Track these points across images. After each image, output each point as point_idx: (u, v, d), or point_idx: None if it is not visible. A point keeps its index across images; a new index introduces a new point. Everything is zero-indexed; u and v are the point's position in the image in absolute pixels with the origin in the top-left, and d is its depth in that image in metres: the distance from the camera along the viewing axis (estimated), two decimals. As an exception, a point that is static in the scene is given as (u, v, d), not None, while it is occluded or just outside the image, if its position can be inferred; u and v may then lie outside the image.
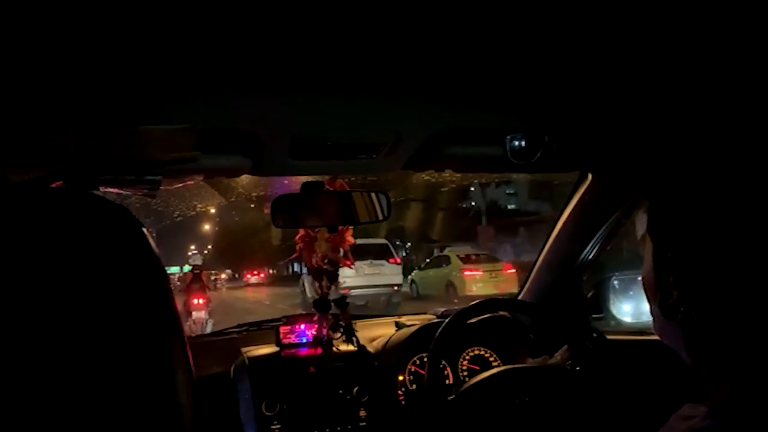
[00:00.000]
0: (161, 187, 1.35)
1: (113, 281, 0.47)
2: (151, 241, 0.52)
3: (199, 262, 11.34)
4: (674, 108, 1.27)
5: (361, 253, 14.12)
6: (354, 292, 13.68)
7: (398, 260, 15.13)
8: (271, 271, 37.66)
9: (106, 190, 1.28)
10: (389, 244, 15.15)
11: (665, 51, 0.98)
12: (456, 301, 12.97)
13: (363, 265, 14.10)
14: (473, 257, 14.74)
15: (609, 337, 1.77)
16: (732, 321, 0.66)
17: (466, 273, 13.96)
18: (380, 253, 14.60)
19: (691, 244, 0.69)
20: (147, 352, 0.47)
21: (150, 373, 0.47)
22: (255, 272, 37.88)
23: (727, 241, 0.66)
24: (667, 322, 0.73)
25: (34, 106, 1.00)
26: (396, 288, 14.48)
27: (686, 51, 0.99)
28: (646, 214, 0.78)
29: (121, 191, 1.30)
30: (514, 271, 13.84)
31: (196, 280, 10.60)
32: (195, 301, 10.35)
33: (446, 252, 16.01)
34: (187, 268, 13.01)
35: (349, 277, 13.80)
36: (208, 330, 9.48)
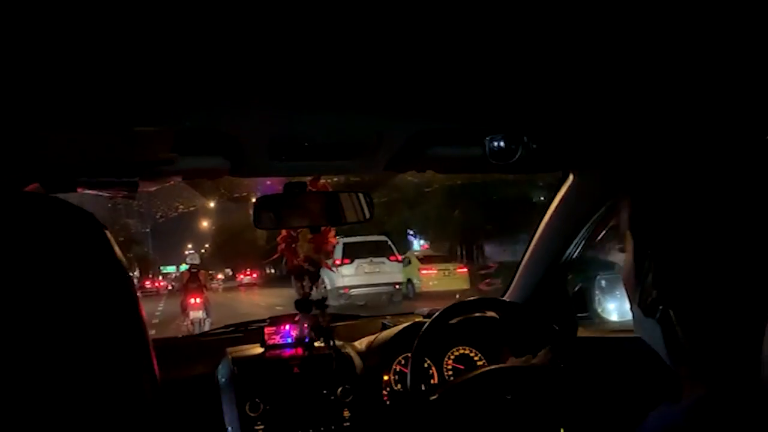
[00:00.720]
0: (140, 190, 1.38)
1: (74, 286, 0.47)
2: (115, 245, 0.52)
3: (196, 261, 11.31)
4: (655, 107, 1.29)
5: (360, 251, 14.06)
6: (353, 291, 13.63)
7: (399, 257, 15.10)
8: (271, 271, 37.88)
9: (84, 191, 1.31)
10: (389, 240, 15.11)
11: (644, 49, 1.00)
12: (411, 296, 14.80)
13: (363, 263, 14.04)
14: (430, 258, 16.76)
15: (592, 335, 1.80)
16: (709, 321, 0.67)
17: (423, 272, 15.91)
18: (380, 251, 14.54)
19: (670, 242, 0.70)
20: (108, 357, 0.48)
21: (111, 379, 0.48)
22: (248, 272, 38.18)
23: (707, 241, 0.67)
24: (646, 320, 0.74)
25: (9, 107, 1.01)
26: (397, 286, 14.44)
27: (665, 49, 1.00)
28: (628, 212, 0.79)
29: (99, 193, 1.32)
30: (465, 270, 16.28)
31: (193, 280, 10.55)
32: (192, 300, 10.31)
33: (407, 254, 17.43)
34: (183, 267, 12.98)
35: (349, 275, 13.78)
36: (206, 330, 9.42)
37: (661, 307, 0.71)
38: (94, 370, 0.46)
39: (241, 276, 38.34)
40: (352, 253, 13.81)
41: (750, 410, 0.64)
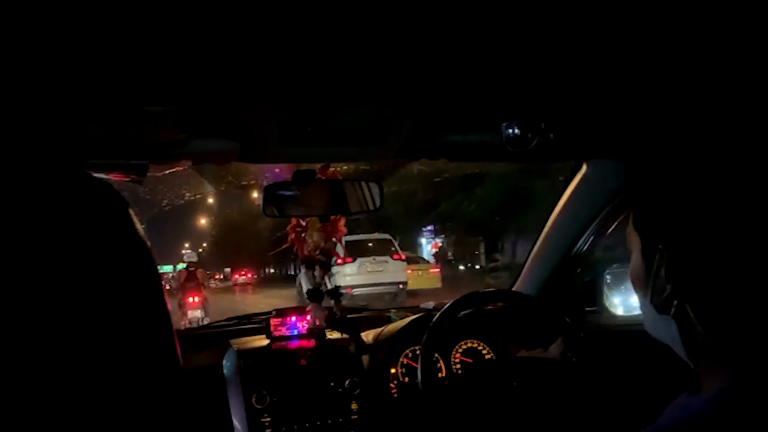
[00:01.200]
0: (149, 174, 1.39)
1: (99, 261, 0.47)
2: (136, 221, 0.52)
3: (194, 259, 11.36)
4: (665, 99, 1.30)
5: (362, 249, 14.02)
6: (356, 291, 13.57)
7: (402, 256, 15.10)
8: (270, 271, 38.24)
9: (92, 174, 1.31)
10: (392, 239, 15.11)
11: (661, 41, 1.01)
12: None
13: (365, 262, 14.01)
14: (407, 259, 17.60)
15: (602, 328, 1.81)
16: (728, 311, 0.68)
17: (399, 271, 17.05)
18: (383, 249, 14.53)
19: (683, 234, 0.71)
20: (133, 338, 0.48)
21: (135, 360, 0.48)
22: (243, 272, 39.14)
23: (720, 230, 0.68)
24: (659, 316, 0.75)
25: (16, 87, 1.02)
26: (401, 286, 14.41)
27: (681, 42, 1.02)
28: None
29: (107, 176, 1.33)
30: (438, 270, 17.74)
31: (190, 278, 10.60)
32: (190, 299, 10.35)
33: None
34: (181, 266, 13.01)
35: (351, 275, 13.77)
36: (206, 327, 9.45)
37: (675, 302, 0.72)
38: (119, 346, 0.47)
39: (236, 276, 39.13)
40: (354, 252, 13.79)
41: None
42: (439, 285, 16.30)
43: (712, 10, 0.90)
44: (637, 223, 0.78)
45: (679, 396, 0.74)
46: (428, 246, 24.51)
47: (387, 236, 15.15)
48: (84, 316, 0.46)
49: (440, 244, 23.63)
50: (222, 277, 41.99)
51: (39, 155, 1.20)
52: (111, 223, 0.50)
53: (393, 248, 14.83)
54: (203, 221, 40.52)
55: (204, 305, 10.55)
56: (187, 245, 40.63)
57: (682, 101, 1.29)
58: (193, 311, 10.31)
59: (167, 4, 0.80)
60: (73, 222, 0.47)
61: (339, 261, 13.41)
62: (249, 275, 38.68)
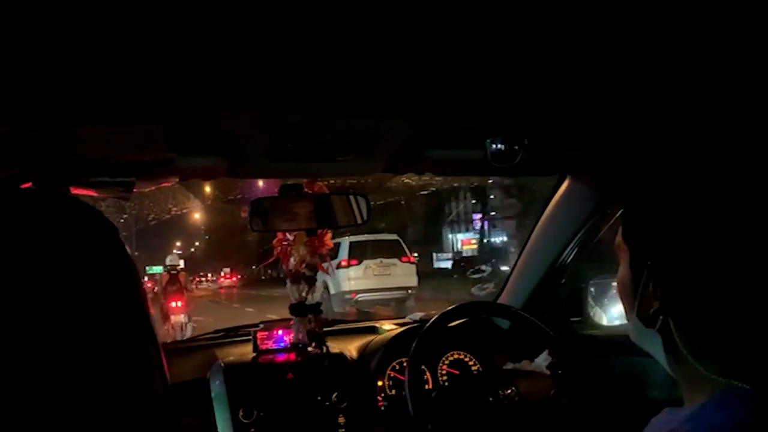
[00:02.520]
0: (135, 190, 1.48)
1: (85, 284, 0.50)
2: (122, 243, 0.57)
3: (176, 262, 11.43)
4: (652, 112, 1.40)
5: (368, 251, 13.75)
6: (361, 296, 13.34)
7: (411, 258, 14.80)
8: (269, 272, 38.41)
9: (78, 192, 1.41)
10: (400, 240, 14.90)
11: (644, 55, 1.10)
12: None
13: (372, 265, 13.82)
14: None
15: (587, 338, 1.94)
16: (712, 328, 0.74)
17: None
18: (391, 251, 14.30)
19: (671, 251, 0.77)
20: (120, 357, 0.51)
21: (123, 379, 0.51)
22: (228, 275, 40.18)
23: (709, 247, 0.73)
24: (645, 330, 0.81)
25: (1, 104, 1.10)
26: (410, 291, 14.19)
27: (665, 56, 1.11)
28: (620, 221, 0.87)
29: (93, 193, 1.43)
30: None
31: (173, 282, 10.75)
32: (173, 304, 10.50)
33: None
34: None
35: (355, 279, 13.60)
36: (188, 334, 9.53)
37: (661, 317, 0.78)
38: (105, 367, 0.50)
39: (222, 279, 40.03)
40: (359, 254, 13.72)
41: (754, 417, 0.69)
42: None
43: (692, 24, 0.99)
44: (626, 235, 0.84)
45: (662, 411, 0.80)
46: (458, 243, 23.25)
47: (395, 237, 14.90)
48: (71, 341, 0.48)
49: (469, 240, 22.59)
50: (214, 278, 42.53)
51: (22, 179, 1.29)
52: (101, 249, 0.53)
53: (401, 250, 14.55)
54: (196, 219, 40.74)
55: (187, 310, 10.69)
56: (178, 244, 40.86)
57: (668, 116, 1.39)
58: (176, 316, 10.44)
59: (153, 22, 0.87)
60: (63, 249, 0.50)
61: (343, 263, 13.36)
62: (233, 279, 39.26)
